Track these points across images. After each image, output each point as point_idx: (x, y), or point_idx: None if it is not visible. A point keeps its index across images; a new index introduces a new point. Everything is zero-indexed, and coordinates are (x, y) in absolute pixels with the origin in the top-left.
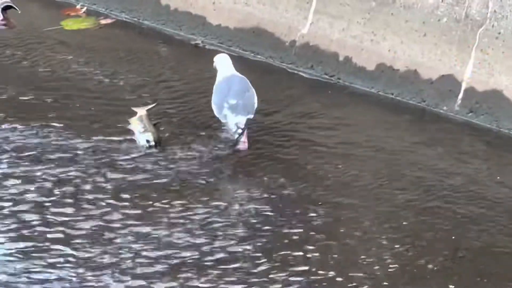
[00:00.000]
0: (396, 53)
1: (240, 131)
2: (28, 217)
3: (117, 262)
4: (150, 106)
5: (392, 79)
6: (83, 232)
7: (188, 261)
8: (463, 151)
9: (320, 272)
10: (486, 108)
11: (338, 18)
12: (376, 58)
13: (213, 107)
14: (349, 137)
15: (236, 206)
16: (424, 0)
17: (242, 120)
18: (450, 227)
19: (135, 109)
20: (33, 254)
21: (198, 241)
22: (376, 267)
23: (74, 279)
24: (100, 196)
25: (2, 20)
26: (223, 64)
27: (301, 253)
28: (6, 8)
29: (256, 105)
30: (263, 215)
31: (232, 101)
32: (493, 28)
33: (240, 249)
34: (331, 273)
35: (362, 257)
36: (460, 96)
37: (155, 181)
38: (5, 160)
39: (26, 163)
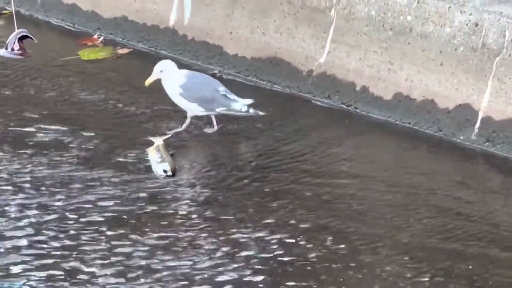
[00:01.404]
0: (413, 83)
1: (252, 109)
2: (47, 248)
3: None
4: (167, 136)
5: (409, 108)
6: (102, 262)
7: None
8: (480, 180)
9: None
10: (503, 137)
11: (355, 47)
12: (393, 87)
13: (198, 103)
14: (366, 167)
15: (251, 238)
16: (440, 30)
17: (247, 100)
18: (467, 257)
19: (152, 138)
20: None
21: (213, 274)
22: None
23: None
24: (118, 225)
25: (18, 49)
26: (173, 68)
27: (316, 284)
28: (22, 38)
29: None
30: (277, 246)
31: (222, 88)
32: (510, 57)
33: (254, 280)
34: None
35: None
36: (477, 125)
37: (172, 210)
38: (21, 192)
39: (43, 194)
